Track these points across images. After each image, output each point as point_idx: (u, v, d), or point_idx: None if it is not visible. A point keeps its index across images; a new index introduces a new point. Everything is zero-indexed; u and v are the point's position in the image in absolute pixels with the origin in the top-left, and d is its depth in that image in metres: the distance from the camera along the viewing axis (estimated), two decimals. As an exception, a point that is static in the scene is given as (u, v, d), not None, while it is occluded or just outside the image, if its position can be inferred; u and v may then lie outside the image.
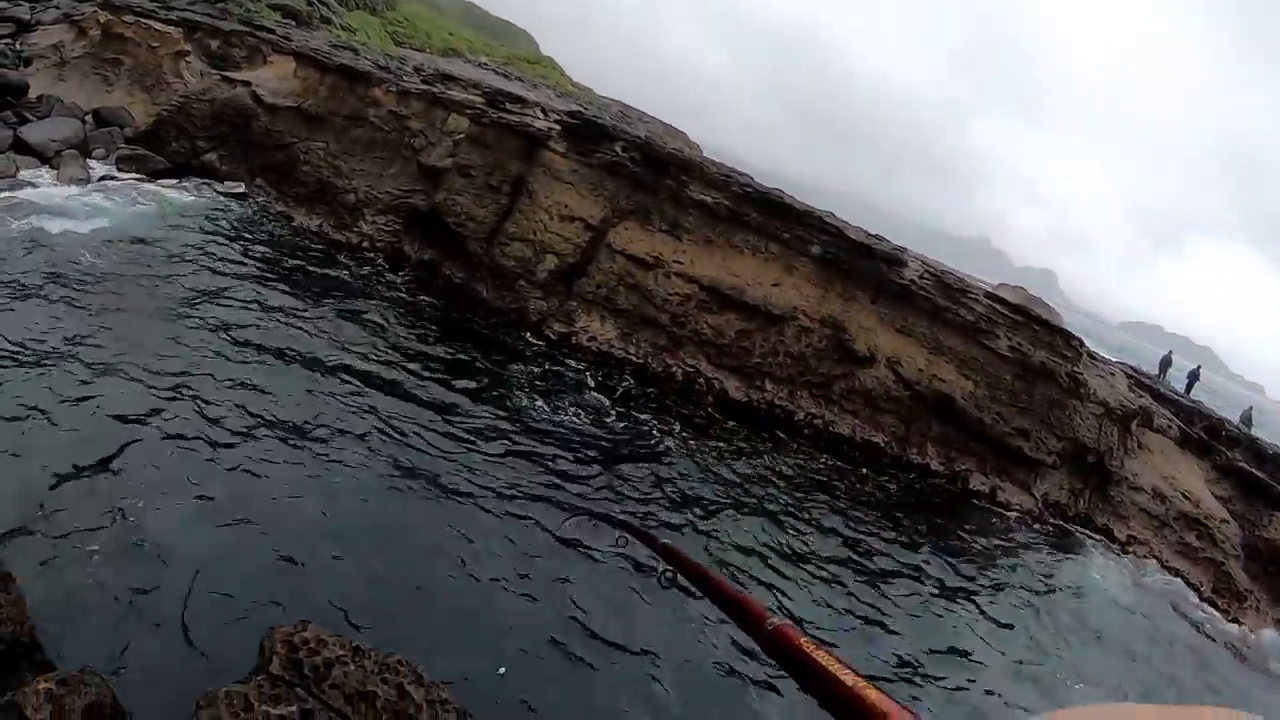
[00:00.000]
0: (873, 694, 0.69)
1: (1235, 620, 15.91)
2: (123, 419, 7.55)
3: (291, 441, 8.15)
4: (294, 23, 23.43)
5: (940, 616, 9.64)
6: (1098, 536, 15.46)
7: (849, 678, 0.73)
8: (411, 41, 29.25)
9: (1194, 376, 22.99)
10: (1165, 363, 22.96)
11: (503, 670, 6.03)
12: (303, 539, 6.70)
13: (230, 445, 7.71)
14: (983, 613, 10.16)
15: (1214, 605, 15.88)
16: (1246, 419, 21.16)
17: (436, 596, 6.58)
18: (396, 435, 9.02)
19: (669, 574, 1.45)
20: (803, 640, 0.84)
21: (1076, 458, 15.68)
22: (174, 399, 8.20)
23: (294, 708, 3.46)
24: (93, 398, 7.74)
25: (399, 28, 29.74)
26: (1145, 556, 16.02)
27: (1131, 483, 16.72)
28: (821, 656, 0.79)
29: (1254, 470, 19.30)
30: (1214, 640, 13.70)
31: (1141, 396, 17.68)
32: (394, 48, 25.66)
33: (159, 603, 5.54)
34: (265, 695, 3.65)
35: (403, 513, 7.62)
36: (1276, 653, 15.22)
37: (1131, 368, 20.14)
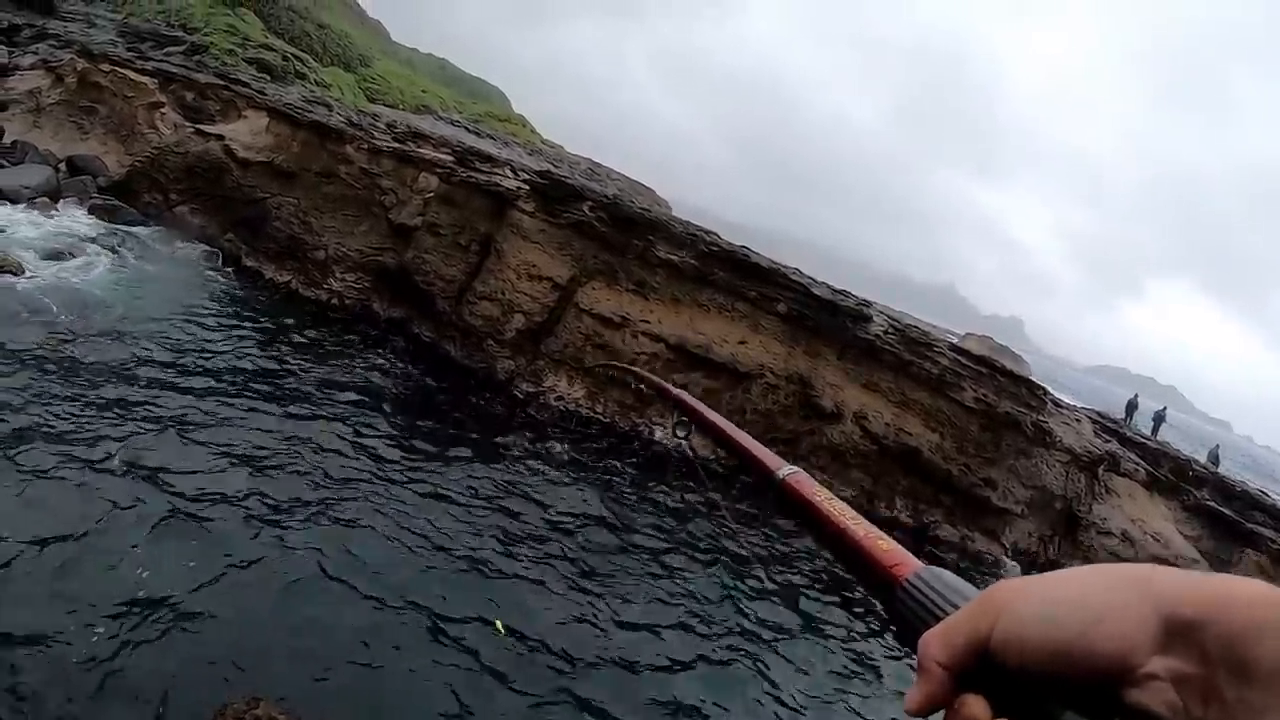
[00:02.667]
0: (884, 544, 0.68)
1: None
2: (86, 490, 7.44)
3: (257, 508, 8.07)
4: (269, 77, 23.62)
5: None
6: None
7: (860, 529, 0.72)
8: (385, 98, 29.49)
9: (1159, 418, 23.35)
10: (1131, 406, 23.34)
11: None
12: (265, 608, 6.63)
13: (193, 511, 7.63)
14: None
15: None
16: (1213, 457, 21.46)
17: (392, 668, 6.49)
18: (368, 503, 8.96)
19: (684, 422, 1.43)
20: (815, 490, 0.82)
21: (1044, 505, 15.84)
22: (140, 466, 8.11)
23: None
24: (55, 468, 7.65)
25: (373, 84, 29.97)
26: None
27: (1100, 527, 16.88)
28: (833, 506, 0.77)
29: (1222, 508, 19.53)
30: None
31: (1108, 441, 17.92)
32: (367, 104, 25.89)
33: (120, 668, 5.48)
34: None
35: (371, 583, 7.49)
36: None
37: (1097, 412, 20.42)
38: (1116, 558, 17.20)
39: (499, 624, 7.03)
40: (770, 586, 10.50)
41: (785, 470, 0.89)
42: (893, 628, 0.61)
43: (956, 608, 0.56)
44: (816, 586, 10.96)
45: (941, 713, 0.49)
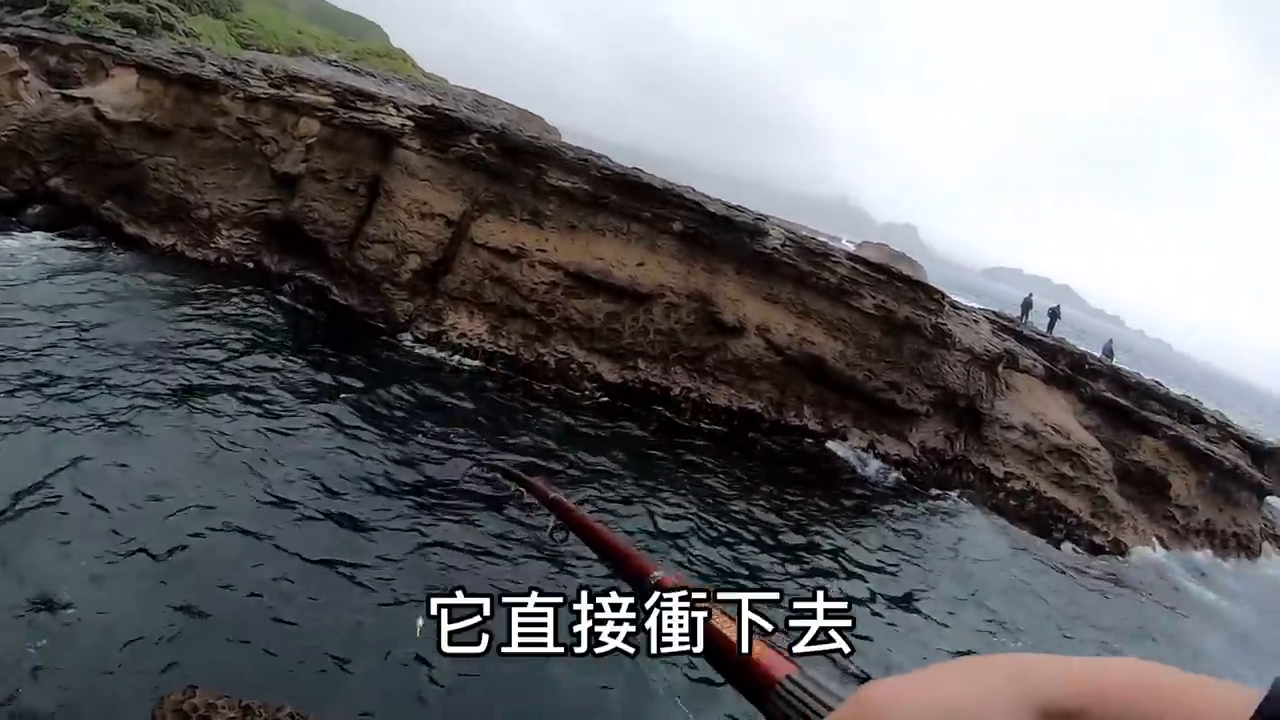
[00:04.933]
0: (759, 645, 0.68)
1: (1102, 547, 16.87)
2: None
3: (161, 491, 7.69)
4: (135, 32, 22.14)
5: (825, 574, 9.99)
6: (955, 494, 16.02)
7: (732, 631, 0.72)
8: (258, 43, 28.00)
9: (1054, 314, 24.25)
10: (1026, 304, 24.16)
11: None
12: (185, 590, 6.37)
13: (102, 502, 7.25)
14: (865, 568, 10.58)
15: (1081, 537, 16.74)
16: (1108, 351, 22.51)
17: (323, 631, 6.32)
18: (271, 463, 8.67)
19: (560, 528, 1.41)
20: (687, 588, 0.84)
21: (948, 405, 16.43)
22: (39, 458, 7.69)
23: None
24: None
25: (245, 29, 28.42)
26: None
27: (1003, 422, 17.62)
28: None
29: (1118, 399, 20.60)
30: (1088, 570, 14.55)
31: (1005, 340, 18.62)
32: (241, 51, 24.56)
33: (55, 666, 5.32)
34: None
35: (280, 547, 7.28)
36: (1153, 569, 16.38)
37: (994, 313, 21.14)
38: (1020, 450, 18.03)
39: (420, 625, 6.76)
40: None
41: (659, 573, 0.90)
42: None
43: (831, 709, 0.54)
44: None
45: None
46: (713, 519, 10.27)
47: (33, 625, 5.69)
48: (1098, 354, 21.84)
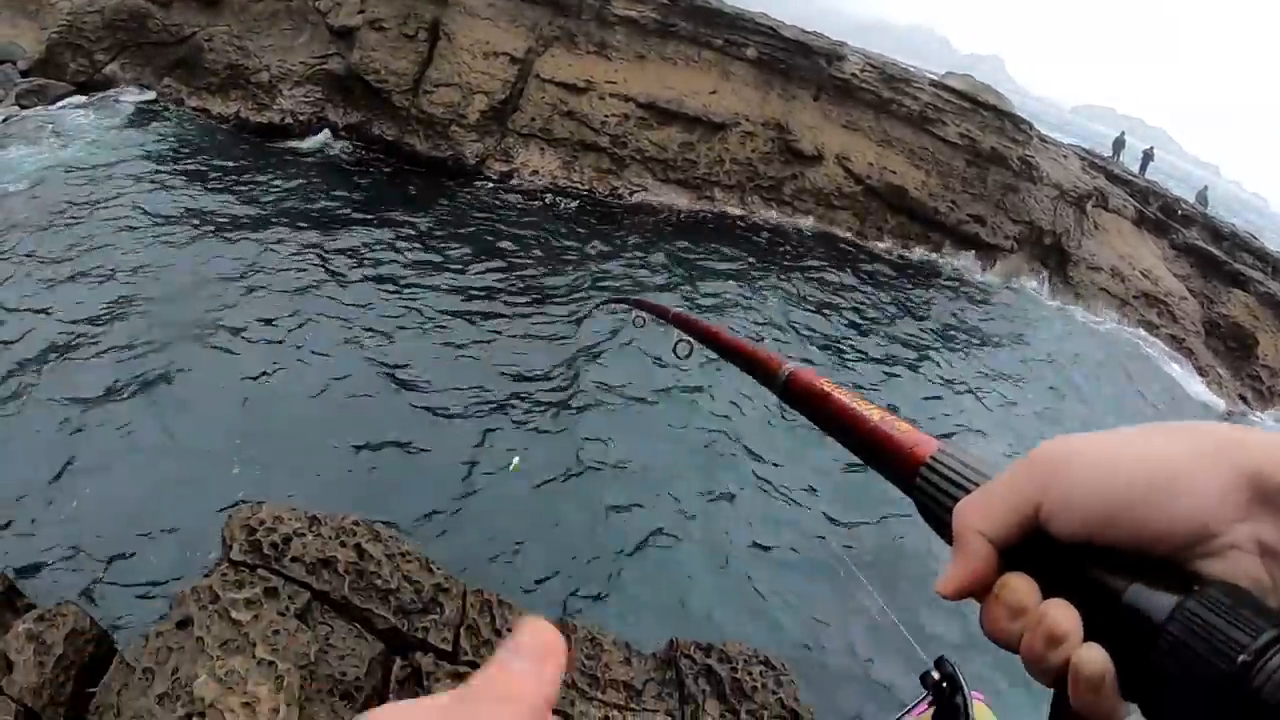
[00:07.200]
0: (901, 425, 0.60)
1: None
2: (74, 328, 7.30)
3: (264, 330, 7.88)
4: (175, -90, 21.69)
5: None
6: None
7: (874, 413, 0.65)
8: None
9: (1148, 156, 22.76)
10: (1119, 144, 22.72)
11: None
12: (260, 418, 6.57)
13: (177, 342, 7.43)
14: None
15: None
16: (1202, 198, 21.21)
17: (400, 452, 6.45)
18: (367, 306, 8.76)
19: (685, 342, 1.41)
20: (821, 381, 0.76)
21: (1034, 241, 15.74)
22: (128, 301, 7.90)
23: (258, 589, 3.50)
24: (43, 311, 7.44)
25: None
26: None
27: (1090, 263, 16.86)
28: (842, 394, 0.72)
29: (1211, 248, 19.51)
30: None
31: (1095, 177, 17.64)
32: None
33: (126, 509, 5.46)
34: (229, 582, 3.66)
35: (376, 383, 7.41)
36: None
37: (1085, 150, 19.95)
38: (1107, 294, 17.29)
39: (516, 462, 6.80)
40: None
41: (790, 366, 0.84)
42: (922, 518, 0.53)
43: (989, 479, 0.46)
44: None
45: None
46: (830, 316, 10.13)
47: (97, 468, 5.83)
48: (1191, 200, 20.58)
